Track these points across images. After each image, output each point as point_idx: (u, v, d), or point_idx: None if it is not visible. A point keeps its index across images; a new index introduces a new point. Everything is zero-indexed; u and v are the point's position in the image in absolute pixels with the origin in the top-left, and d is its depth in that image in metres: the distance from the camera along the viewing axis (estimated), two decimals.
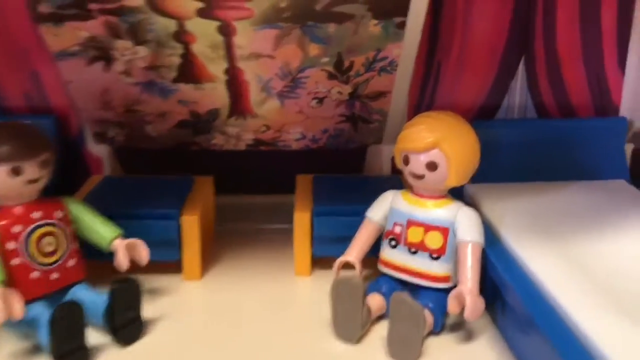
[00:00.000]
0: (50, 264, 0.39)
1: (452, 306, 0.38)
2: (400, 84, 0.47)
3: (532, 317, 0.34)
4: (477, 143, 0.40)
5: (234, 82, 0.46)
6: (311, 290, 0.45)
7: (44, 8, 0.40)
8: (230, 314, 0.42)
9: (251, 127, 0.51)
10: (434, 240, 0.40)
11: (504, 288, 0.38)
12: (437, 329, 0.40)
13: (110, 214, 0.42)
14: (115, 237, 0.41)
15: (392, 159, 0.47)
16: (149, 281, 0.45)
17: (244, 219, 0.54)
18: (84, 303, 0.37)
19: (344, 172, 0.54)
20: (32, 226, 0.38)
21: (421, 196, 0.41)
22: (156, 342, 0.39)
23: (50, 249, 0.39)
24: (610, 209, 0.44)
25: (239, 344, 0.39)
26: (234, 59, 0.44)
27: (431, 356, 0.38)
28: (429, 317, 0.39)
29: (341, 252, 0.43)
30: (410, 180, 0.41)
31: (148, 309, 0.42)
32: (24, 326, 0.38)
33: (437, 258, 0.41)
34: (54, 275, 0.39)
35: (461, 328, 0.41)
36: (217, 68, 0.45)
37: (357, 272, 0.42)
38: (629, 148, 0.54)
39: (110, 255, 0.41)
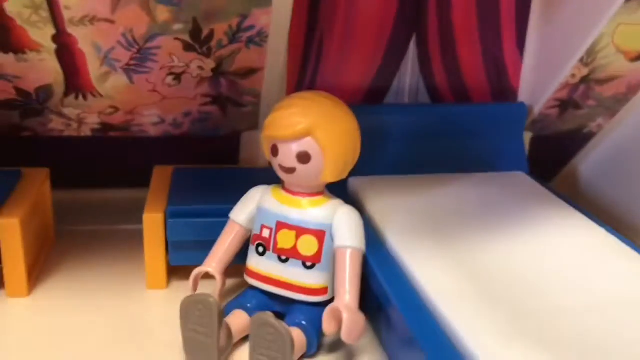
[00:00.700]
0: None
1: (327, 324, 0.32)
2: (274, 60, 0.40)
3: (415, 338, 0.28)
4: (357, 130, 0.34)
5: (66, 52, 0.37)
6: (165, 307, 0.38)
7: None
8: (62, 340, 0.35)
9: (95, 109, 0.42)
10: (307, 246, 0.34)
11: (386, 302, 0.32)
12: (312, 351, 0.34)
13: None
14: None
15: None
16: None
17: (90, 219, 0.46)
18: None
19: (215, 164, 0.47)
20: None
21: (293, 193, 0.35)
22: None
23: None
24: (507, 204, 0.40)
25: None
26: (62, 22, 0.35)
27: None
28: (301, 338, 0.33)
29: (203, 261, 0.36)
30: (280, 174, 0.34)
31: None
32: None
33: (311, 267, 0.34)
34: None
35: (341, 348, 0.35)
36: (42, 34, 0.36)
37: (217, 286, 0.35)
38: (527, 136, 0.50)
39: None
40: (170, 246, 0.39)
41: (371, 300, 0.35)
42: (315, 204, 0.34)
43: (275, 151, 0.34)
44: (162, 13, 0.35)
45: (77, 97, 0.41)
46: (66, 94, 0.41)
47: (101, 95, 0.41)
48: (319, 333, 0.34)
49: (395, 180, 0.42)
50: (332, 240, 0.34)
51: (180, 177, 0.42)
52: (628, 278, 0.33)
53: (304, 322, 0.34)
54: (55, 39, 0.37)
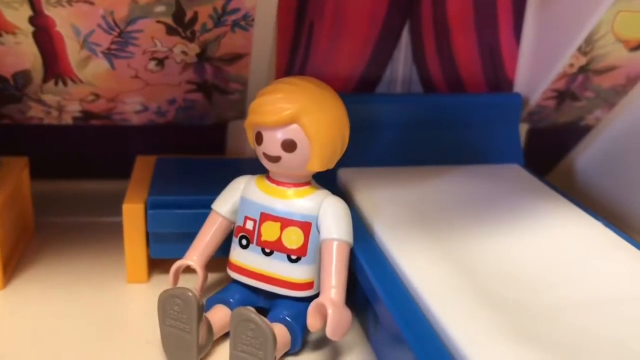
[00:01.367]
0: None
1: (311, 320, 0.31)
2: (261, 45, 0.38)
3: (403, 335, 0.27)
4: (345, 118, 0.33)
5: (44, 35, 0.36)
6: (145, 301, 0.36)
7: None
8: (38, 334, 0.33)
9: (76, 96, 0.40)
10: (292, 238, 0.32)
11: (373, 297, 0.31)
12: (296, 348, 0.32)
13: None
14: None
15: None
16: None
17: (70, 210, 0.44)
18: None
19: (201, 154, 0.45)
20: None
21: (278, 183, 0.33)
22: None
23: None
24: (500, 197, 0.38)
25: None
26: (38, 3, 0.34)
27: None
28: (284, 334, 0.32)
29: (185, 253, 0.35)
30: (265, 163, 0.33)
31: None
32: None
33: (296, 260, 0.33)
34: None
35: (326, 345, 0.33)
36: (18, 15, 0.34)
37: (199, 280, 0.34)
38: (523, 128, 0.48)
39: None
40: (150, 238, 0.37)
41: (358, 295, 0.34)
42: (301, 195, 0.33)
43: (259, 139, 0.32)
44: None
45: (56, 83, 0.39)
46: (45, 79, 0.39)
47: (81, 81, 0.39)
48: (304, 329, 0.32)
49: (386, 172, 0.41)
50: (319, 232, 0.33)
51: (163, 167, 0.41)
52: (624, 273, 0.31)
53: (288, 318, 0.32)
54: (32, 20, 0.35)
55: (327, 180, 0.35)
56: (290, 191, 0.33)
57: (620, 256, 0.33)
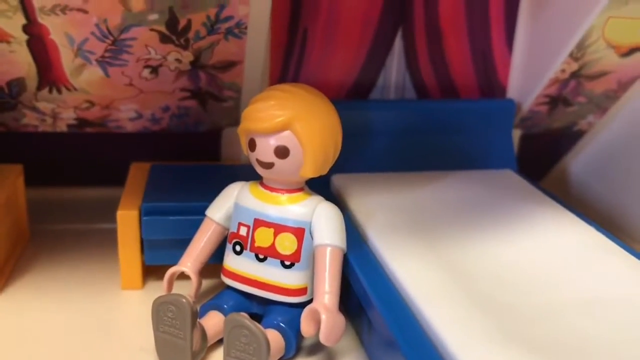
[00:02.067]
0: None
1: (305, 326, 0.31)
2: (254, 53, 0.39)
3: (396, 340, 0.27)
4: (338, 124, 0.33)
5: (38, 43, 0.36)
6: (140, 308, 0.36)
7: None
8: (33, 341, 0.33)
9: (70, 103, 0.41)
10: (286, 244, 0.33)
11: (366, 303, 0.31)
12: (290, 354, 0.32)
13: None
14: None
15: None
16: None
17: (65, 217, 0.44)
18: None
19: (195, 160, 0.45)
20: None
21: (272, 190, 0.33)
22: None
23: None
24: (494, 202, 0.39)
25: None
26: (32, 11, 0.34)
27: None
28: (278, 340, 0.32)
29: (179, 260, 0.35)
30: (258, 169, 0.33)
31: None
32: None
33: (290, 266, 0.33)
34: None
35: (320, 351, 0.33)
36: (12, 24, 0.35)
37: (193, 286, 0.34)
38: (516, 134, 0.49)
39: None
40: (145, 245, 0.37)
41: (352, 301, 0.34)
42: (295, 201, 0.33)
43: (252, 145, 0.32)
44: (137, 2, 0.34)
45: (51, 91, 0.40)
46: (39, 87, 0.39)
47: (76, 89, 0.39)
48: (298, 335, 0.32)
49: (380, 178, 0.41)
50: (312, 238, 0.33)
51: (158, 174, 0.41)
52: (617, 277, 0.32)
53: (281, 324, 0.32)
54: (26, 29, 0.35)
55: (320, 186, 0.35)
56: (284, 197, 0.33)
57: (612, 261, 0.33)
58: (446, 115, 0.44)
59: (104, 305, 0.37)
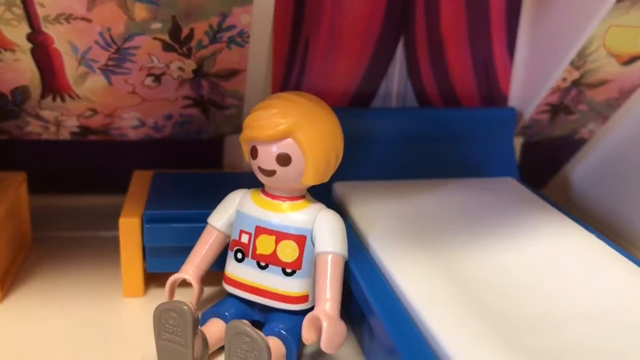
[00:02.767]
0: None
1: (306, 333, 0.31)
2: (256, 61, 0.39)
3: (397, 349, 0.27)
4: (339, 132, 0.33)
5: (42, 52, 0.36)
6: (141, 315, 0.36)
7: None
8: (35, 348, 0.33)
9: (74, 111, 0.41)
10: (287, 252, 0.33)
11: (368, 310, 0.31)
12: None
13: None
14: None
15: None
16: None
17: (67, 225, 0.45)
18: None
19: (198, 168, 0.46)
20: None
21: (274, 197, 0.33)
22: None
23: None
24: (495, 210, 0.39)
25: None
26: (36, 20, 0.34)
27: None
28: (279, 347, 0.32)
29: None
30: (260, 177, 0.33)
31: None
32: None
33: (291, 274, 0.33)
34: None
35: (321, 358, 0.33)
36: (17, 33, 0.35)
37: (194, 293, 0.34)
38: (517, 142, 0.49)
39: None
40: (147, 252, 0.37)
41: (353, 308, 0.34)
42: (296, 208, 0.33)
43: (254, 153, 0.32)
44: (140, 11, 0.34)
45: (54, 99, 0.40)
46: (43, 95, 0.39)
47: (79, 97, 0.40)
48: (299, 342, 0.32)
49: (382, 186, 0.41)
50: (313, 245, 0.33)
51: (160, 182, 0.41)
52: (618, 285, 0.32)
53: (283, 331, 0.32)
54: (30, 37, 0.35)
55: (322, 194, 0.35)
56: (285, 205, 0.33)
57: (614, 269, 0.33)
58: (448, 124, 0.44)
59: (106, 312, 0.37)
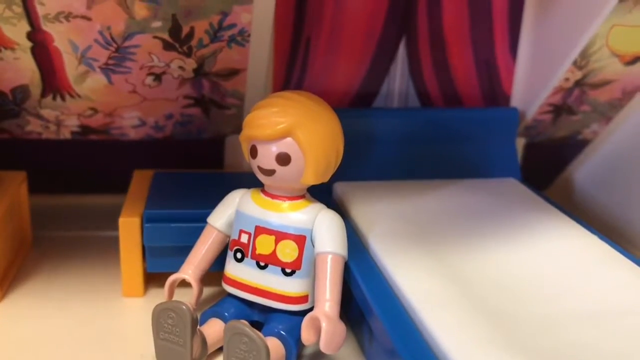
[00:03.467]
0: None
1: (305, 334, 0.31)
2: (257, 60, 0.39)
3: (397, 349, 0.27)
4: (339, 131, 0.33)
5: (42, 50, 0.36)
6: (141, 315, 0.36)
7: None
8: (35, 348, 0.33)
9: (74, 110, 0.41)
10: (287, 252, 0.32)
11: (367, 311, 0.31)
12: None
13: None
14: None
15: None
16: None
17: (68, 224, 0.44)
18: None
19: (199, 168, 0.45)
20: None
21: (273, 197, 0.33)
22: None
23: None
24: (497, 211, 0.38)
25: None
26: (36, 19, 0.34)
27: None
28: (278, 348, 0.31)
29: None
30: (259, 176, 0.33)
31: None
32: None
33: (291, 274, 0.33)
34: None
35: (321, 359, 0.33)
36: (16, 31, 0.35)
37: (194, 294, 0.34)
38: (520, 143, 0.48)
39: None
40: (147, 252, 0.37)
41: (353, 309, 0.34)
42: (296, 208, 0.33)
43: (254, 152, 0.32)
44: (141, 10, 0.34)
45: (54, 98, 0.40)
46: (43, 94, 0.39)
47: (79, 96, 0.40)
48: (298, 343, 0.32)
49: (383, 186, 0.41)
50: (313, 245, 0.33)
51: (161, 181, 0.41)
52: (620, 286, 0.31)
53: (282, 332, 0.32)
54: (30, 36, 0.35)
55: (323, 194, 0.35)
56: (285, 204, 0.33)
57: (616, 270, 0.33)
58: (450, 124, 0.44)
59: (105, 312, 0.37)
